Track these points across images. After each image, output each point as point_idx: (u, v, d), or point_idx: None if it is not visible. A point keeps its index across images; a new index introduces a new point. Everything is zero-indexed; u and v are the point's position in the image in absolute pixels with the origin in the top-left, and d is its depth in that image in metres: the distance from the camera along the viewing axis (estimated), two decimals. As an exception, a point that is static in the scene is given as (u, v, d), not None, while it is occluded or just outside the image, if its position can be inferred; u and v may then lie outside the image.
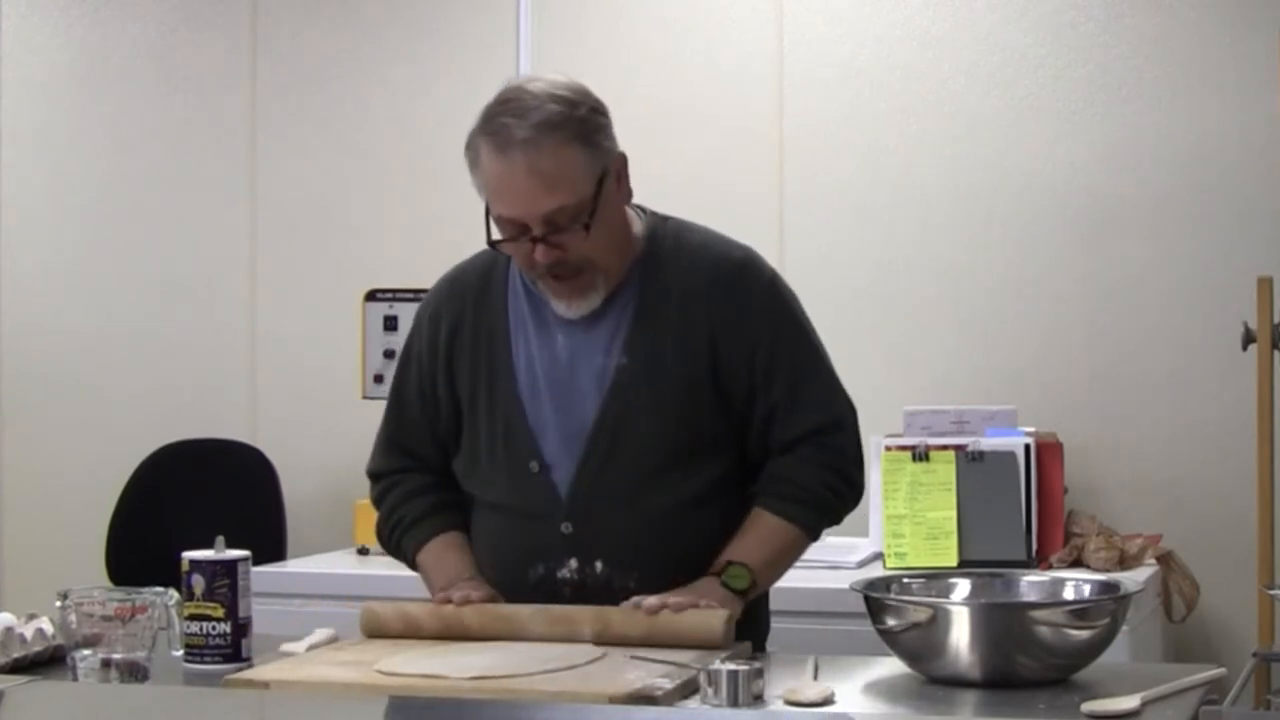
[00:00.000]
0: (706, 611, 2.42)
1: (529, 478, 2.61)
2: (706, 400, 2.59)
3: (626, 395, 2.58)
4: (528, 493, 2.61)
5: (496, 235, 2.55)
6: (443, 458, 2.73)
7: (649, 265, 2.62)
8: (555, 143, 2.48)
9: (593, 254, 2.53)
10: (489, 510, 2.68)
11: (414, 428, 2.74)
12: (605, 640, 2.41)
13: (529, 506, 2.61)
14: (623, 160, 2.59)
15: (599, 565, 2.57)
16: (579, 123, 2.51)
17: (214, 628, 2.37)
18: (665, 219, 2.69)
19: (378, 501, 2.79)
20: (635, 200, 2.70)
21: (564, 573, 2.59)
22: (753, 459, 2.65)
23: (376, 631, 2.53)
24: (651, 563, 2.54)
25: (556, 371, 2.61)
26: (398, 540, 2.74)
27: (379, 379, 4.11)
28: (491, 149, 2.50)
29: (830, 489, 2.65)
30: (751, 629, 2.62)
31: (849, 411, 2.70)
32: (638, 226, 2.66)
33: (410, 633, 2.51)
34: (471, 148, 2.55)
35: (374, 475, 2.80)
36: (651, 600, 2.43)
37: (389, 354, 4.10)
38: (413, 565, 2.73)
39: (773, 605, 2.76)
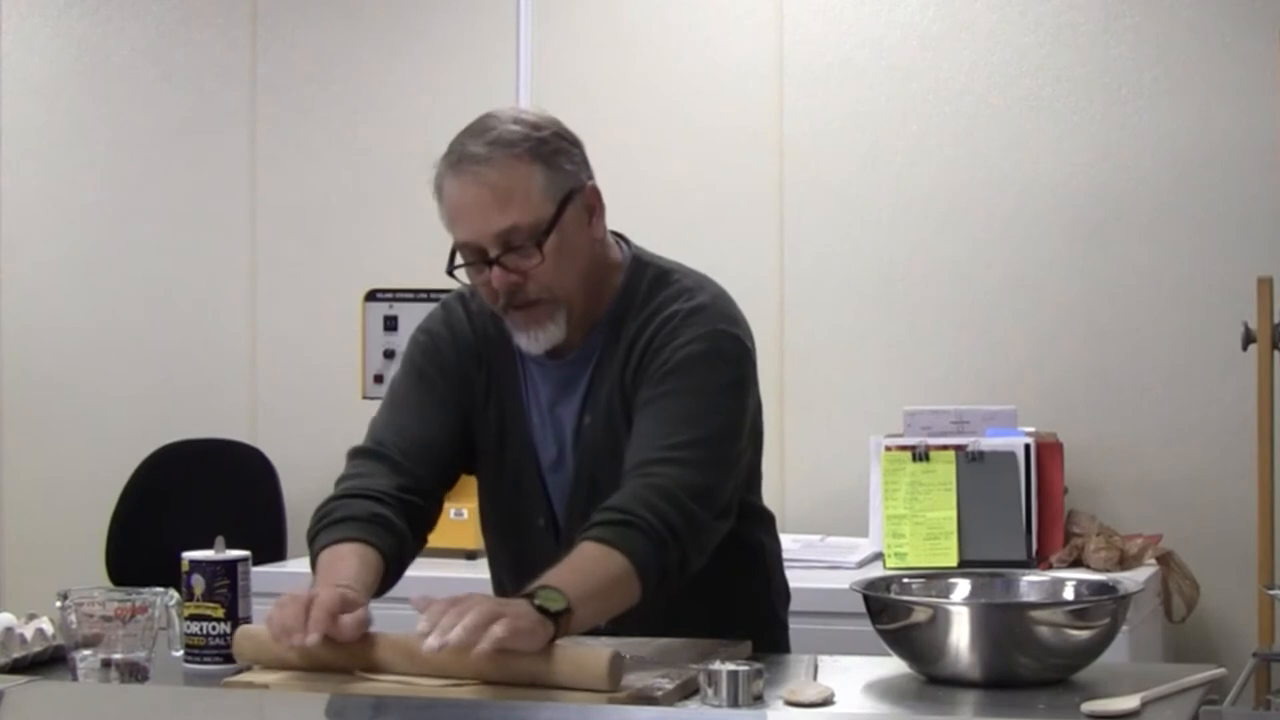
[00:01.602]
0: (592, 650, 2.17)
1: (534, 532, 2.57)
2: None
3: (594, 452, 2.52)
4: (530, 547, 2.57)
5: (458, 278, 2.47)
6: (427, 473, 2.56)
7: (616, 315, 2.53)
8: (509, 157, 2.42)
9: (553, 284, 2.44)
10: (495, 553, 2.67)
11: (407, 438, 2.56)
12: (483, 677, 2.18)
13: (532, 560, 2.47)
14: (595, 194, 2.50)
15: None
16: (538, 142, 2.44)
17: (214, 628, 2.37)
18: (646, 264, 2.57)
19: (337, 482, 2.55)
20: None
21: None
22: None
23: (253, 657, 2.31)
24: (645, 613, 2.41)
25: (544, 426, 2.56)
26: (316, 534, 2.47)
27: (379, 379, 4.11)
28: (447, 169, 2.45)
29: (657, 514, 2.32)
30: (770, 629, 2.60)
31: (701, 457, 2.40)
32: (618, 269, 2.55)
33: (303, 662, 2.25)
34: (437, 178, 2.49)
35: (352, 453, 2.59)
36: (431, 641, 2.12)
37: (389, 354, 4.10)
38: (313, 562, 2.46)
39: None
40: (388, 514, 2.46)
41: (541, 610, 2.17)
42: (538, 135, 2.45)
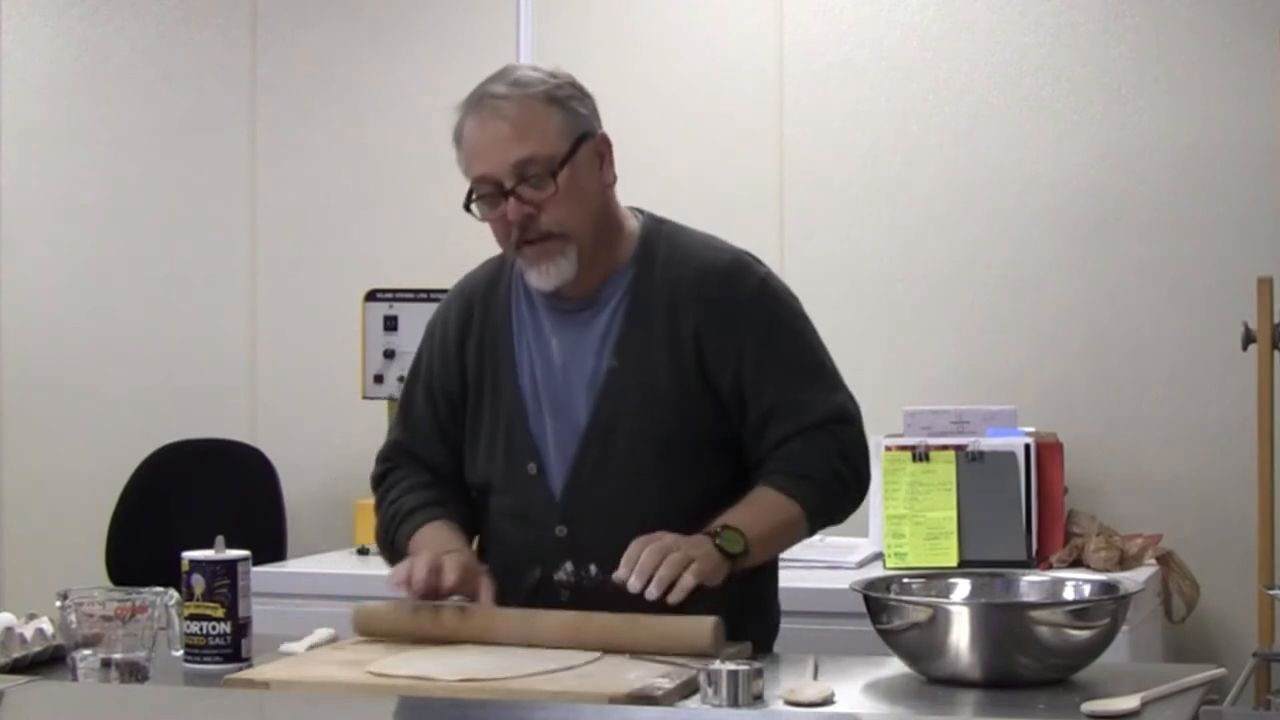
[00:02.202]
0: (695, 619, 2.37)
1: (527, 480, 2.61)
2: (697, 403, 2.58)
3: (616, 398, 2.58)
4: (525, 495, 2.62)
5: (475, 213, 2.59)
6: (453, 463, 2.72)
7: (641, 266, 2.62)
8: (527, 96, 2.55)
9: (564, 218, 2.54)
10: (489, 514, 2.69)
11: (423, 435, 2.73)
12: (589, 645, 2.37)
13: (526, 509, 2.62)
14: (605, 142, 2.62)
15: (593, 568, 2.56)
16: (555, 87, 2.58)
17: (214, 628, 2.37)
18: (661, 221, 2.69)
19: (379, 502, 2.75)
20: (635, 203, 2.71)
21: (560, 575, 2.58)
22: (751, 461, 2.63)
23: (368, 630, 2.52)
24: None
25: (551, 375, 2.62)
26: (393, 534, 2.68)
27: (379, 379, 4.11)
28: (468, 111, 2.59)
29: (836, 474, 2.60)
30: (762, 624, 2.62)
31: (855, 407, 2.67)
32: (633, 225, 2.66)
33: (402, 633, 2.49)
34: (456, 126, 2.61)
35: (377, 479, 2.78)
36: (634, 582, 2.37)
37: (389, 354, 4.11)
38: (403, 557, 2.63)
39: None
40: (446, 493, 2.69)
41: (721, 550, 2.44)
42: (554, 81, 2.58)
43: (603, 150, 2.61)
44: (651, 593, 2.35)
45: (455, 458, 2.72)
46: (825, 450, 2.59)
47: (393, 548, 2.68)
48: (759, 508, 2.54)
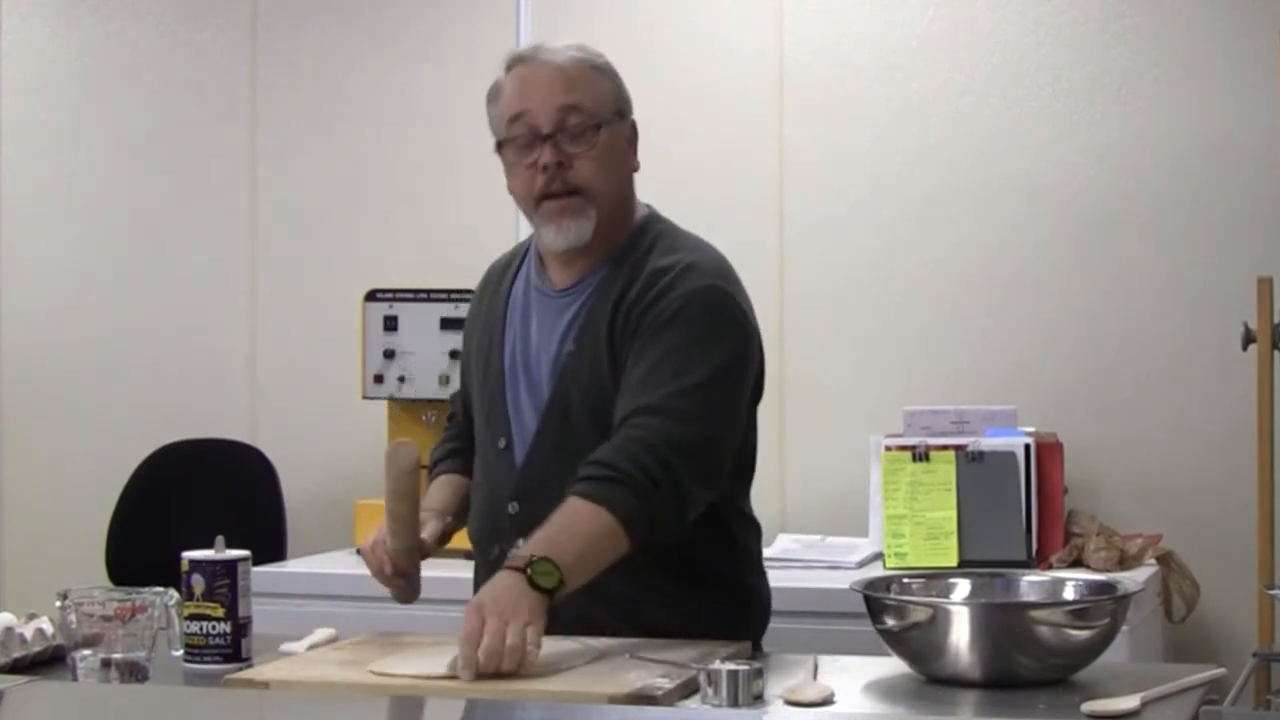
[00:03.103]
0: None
1: (496, 454, 2.67)
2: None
3: (570, 381, 2.60)
4: (493, 470, 2.67)
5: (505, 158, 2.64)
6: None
7: (619, 258, 2.63)
8: (578, 58, 2.61)
9: (593, 178, 2.57)
10: (472, 489, 2.77)
11: (461, 391, 2.88)
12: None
13: (492, 484, 2.67)
14: (634, 128, 2.67)
15: None
16: (605, 66, 2.65)
17: (214, 628, 2.37)
18: (659, 220, 2.70)
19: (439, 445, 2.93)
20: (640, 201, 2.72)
21: (513, 552, 2.49)
22: None
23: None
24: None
25: (526, 355, 2.67)
26: (433, 467, 2.87)
27: (379, 379, 4.11)
28: (516, 64, 2.63)
29: (644, 470, 2.40)
30: (741, 627, 2.60)
31: (682, 411, 2.46)
32: (634, 217, 2.69)
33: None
34: (494, 87, 2.66)
35: (448, 419, 2.96)
36: (485, 661, 2.19)
37: (389, 354, 4.10)
38: None
39: (773, 605, 2.74)
40: (463, 445, 2.82)
41: (533, 585, 2.29)
42: (604, 60, 2.66)
43: (632, 136, 2.67)
44: (466, 678, 2.19)
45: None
46: (630, 442, 2.43)
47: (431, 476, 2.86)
48: (566, 524, 2.38)
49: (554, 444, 2.60)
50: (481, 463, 2.72)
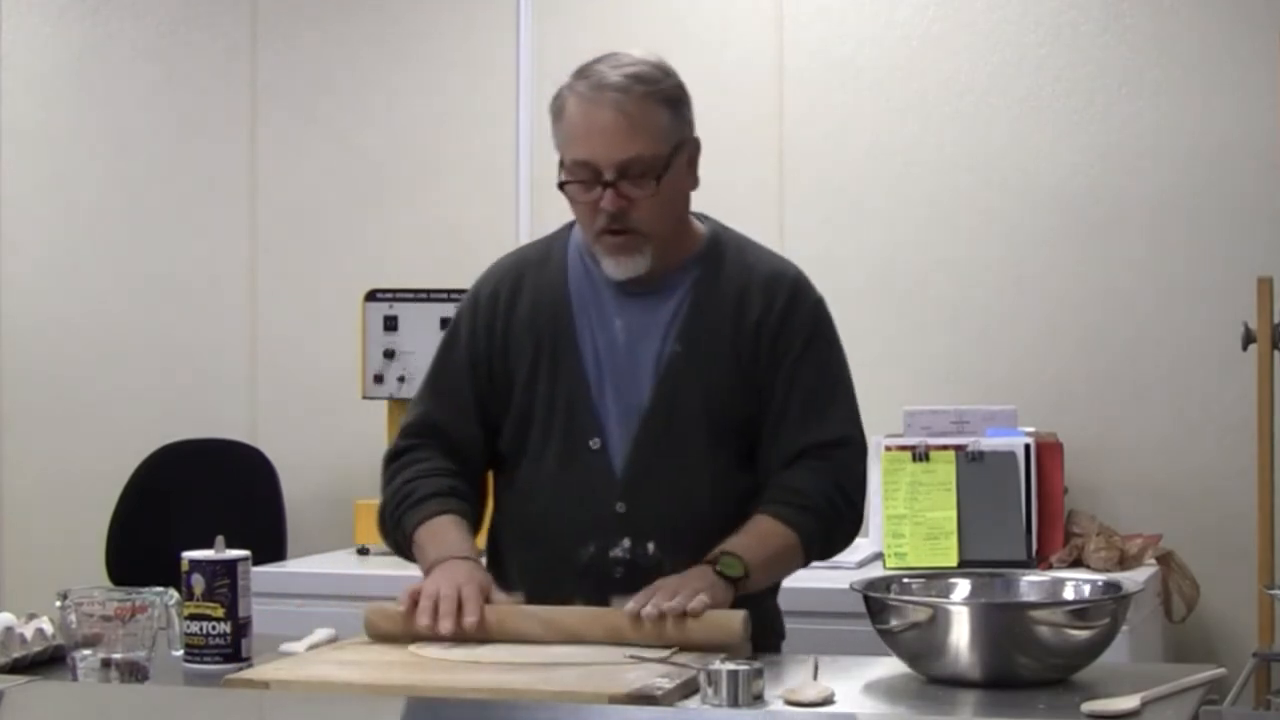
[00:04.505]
0: (725, 613, 2.42)
1: (588, 456, 2.64)
2: (746, 394, 2.66)
3: (678, 380, 2.64)
4: (583, 471, 2.64)
5: (566, 193, 2.64)
6: (483, 441, 2.72)
7: (709, 262, 2.70)
8: (644, 93, 2.59)
9: (654, 218, 2.61)
10: (530, 493, 2.69)
11: (455, 409, 2.73)
12: (621, 640, 2.40)
13: (582, 485, 2.64)
14: (697, 145, 2.69)
15: (651, 547, 2.61)
16: (670, 87, 2.63)
17: (214, 628, 2.37)
18: (727, 228, 2.78)
19: (390, 479, 2.72)
20: None
21: (616, 552, 2.61)
22: (759, 465, 2.68)
23: (379, 632, 2.50)
24: (703, 547, 2.55)
25: (615, 353, 2.67)
26: (400, 516, 2.66)
27: (379, 379, 4.11)
28: (582, 91, 2.60)
29: (830, 502, 2.65)
30: (763, 637, 2.62)
31: (860, 438, 2.73)
32: (698, 224, 2.74)
33: (417, 635, 2.47)
34: (558, 100, 2.64)
35: (393, 454, 2.75)
36: (649, 609, 2.40)
37: (389, 354, 4.10)
38: (409, 544, 2.66)
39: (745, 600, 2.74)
40: (460, 485, 2.69)
41: (721, 575, 2.49)
42: (669, 82, 2.64)
43: (692, 154, 2.68)
44: (650, 611, 2.41)
45: (484, 431, 2.72)
46: (824, 479, 2.65)
47: (398, 529, 2.68)
48: (759, 535, 2.59)
49: (659, 442, 2.63)
50: (553, 466, 2.66)
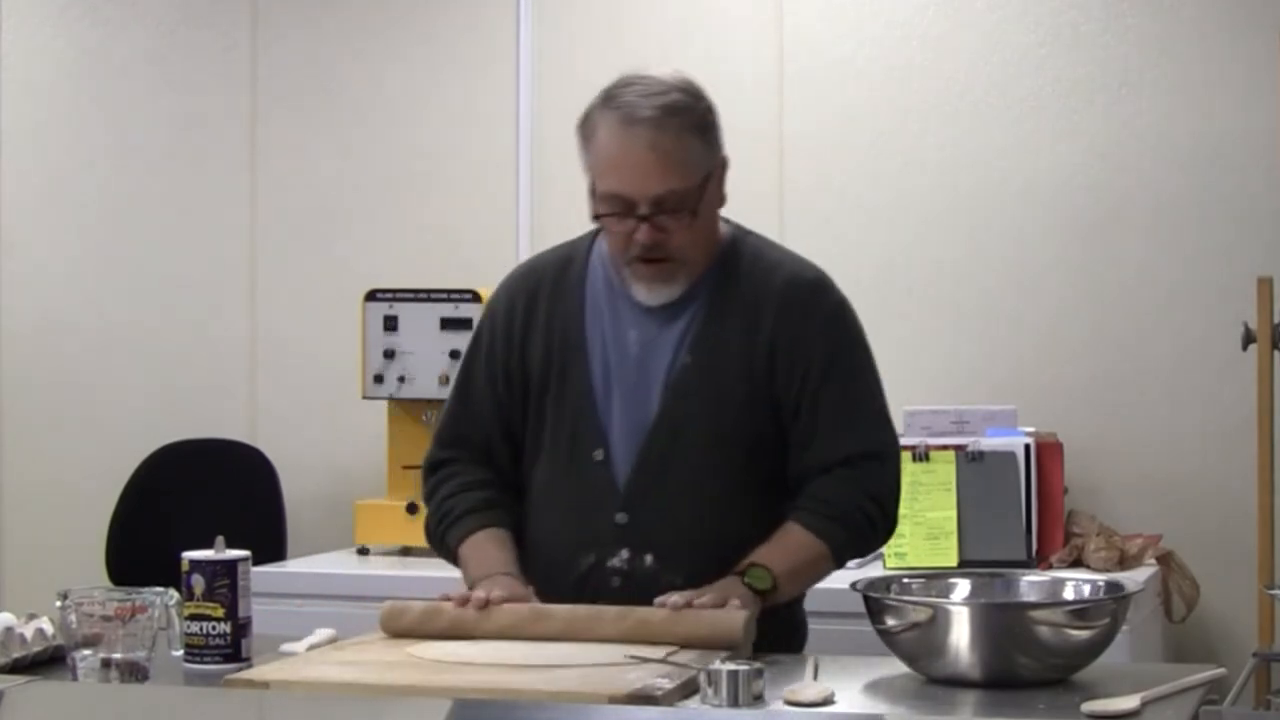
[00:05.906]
0: (727, 612, 2.42)
1: (590, 466, 2.63)
2: (759, 408, 2.62)
3: (688, 392, 2.62)
4: (585, 481, 2.64)
5: (600, 223, 2.63)
6: (508, 449, 2.73)
7: (725, 271, 2.67)
8: (678, 126, 2.56)
9: (688, 246, 2.60)
10: (542, 499, 2.69)
11: (480, 418, 2.74)
12: (624, 638, 2.40)
13: (584, 495, 2.64)
14: (725, 164, 2.67)
15: (649, 558, 2.59)
16: (701, 114, 2.61)
17: (214, 628, 2.37)
18: (747, 231, 2.75)
19: (430, 494, 2.77)
20: None
21: (615, 562, 2.60)
22: (790, 478, 2.65)
23: (396, 627, 2.51)
24: (701, 561, 2.55)
25: (625, 364, 2.65)
26: (443, 533, 2.71)
27: (379, 379, 4.11)
28: (614, 123, 2.56)
29: (864, 513, 2.63)
30: (790, 637, 2.64)
31: (893, 447, 2.70)
32: (721, 230, 2.71)
33: (428, 629, 2.49)
34: (588, 123, 2.60)
35: (431, 466, 2.78)
36: (675, 598, 2.43)
37: (389, 354, 4.10)
38: (455, 559, 2.71)
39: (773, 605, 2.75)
40: (497, 495, 2.70)
41: (750, 587, 2.50)
42: (700, 107, 2.62)
43: (720, 174, 2.67)
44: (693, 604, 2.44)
45: (510, 441, 2.72)
46: (856, 489, 2.62)
47: (443, 546, 2.73)
48: (787, 545, 2.58)
49: (665, 454, 2.62)
50: (558, 475, 2.67)
